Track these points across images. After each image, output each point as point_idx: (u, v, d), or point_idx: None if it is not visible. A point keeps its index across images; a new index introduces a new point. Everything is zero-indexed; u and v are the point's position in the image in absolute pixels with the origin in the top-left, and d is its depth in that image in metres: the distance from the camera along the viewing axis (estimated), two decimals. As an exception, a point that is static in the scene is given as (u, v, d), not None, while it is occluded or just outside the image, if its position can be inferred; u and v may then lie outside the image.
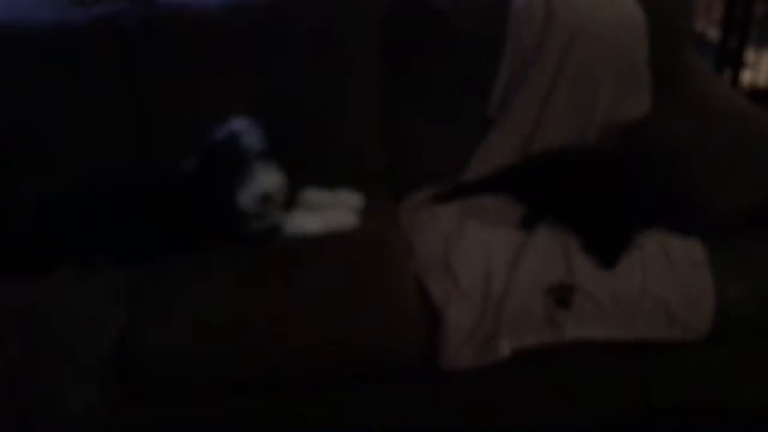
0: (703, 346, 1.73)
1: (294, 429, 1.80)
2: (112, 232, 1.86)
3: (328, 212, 1.92)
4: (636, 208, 1.83)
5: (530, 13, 2.05)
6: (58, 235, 1.85)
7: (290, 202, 1.91)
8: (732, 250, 1.76)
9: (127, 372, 1.67)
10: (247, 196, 1.77)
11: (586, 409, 1.85)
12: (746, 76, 3.15)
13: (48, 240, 1.84)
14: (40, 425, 1.65)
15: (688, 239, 1.78)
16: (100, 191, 1.93)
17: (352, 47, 2.06)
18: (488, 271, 1.76)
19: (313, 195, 1.98)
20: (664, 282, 1.71)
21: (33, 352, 1.65)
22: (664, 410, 1.79)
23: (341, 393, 1.77)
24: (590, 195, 1.86)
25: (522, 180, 2.01)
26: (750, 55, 3.11)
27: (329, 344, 1.68)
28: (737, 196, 1.76)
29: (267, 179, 1.77)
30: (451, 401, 1.81)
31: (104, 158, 2.06)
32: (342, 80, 2.07)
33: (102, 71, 2.03)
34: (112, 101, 2.05)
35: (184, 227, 1.86)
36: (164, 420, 1.75)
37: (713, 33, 3.16)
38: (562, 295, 1.70)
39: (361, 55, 2.07)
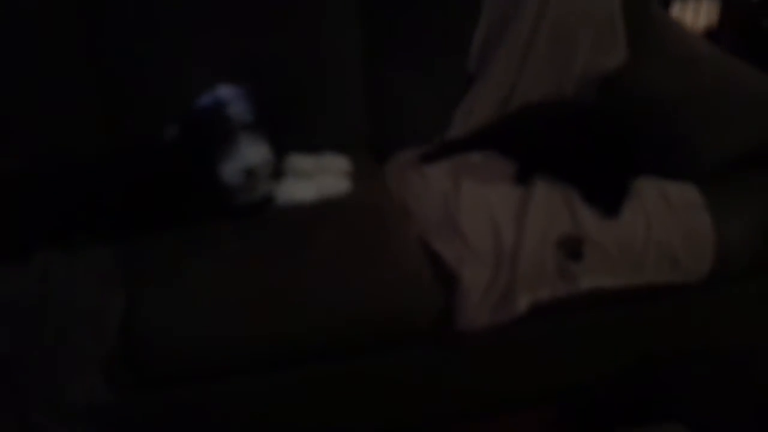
0: (703, 287, 1.78)
1: (311, 404, 1.74)
2: (91, 209, 1.73)
3: (320, 178, 1.86)
4: (629, 156, 1.85)
5: (506, -35, 2.02)
6: (34, 215, 1.70)
7: (277, 169, 1.83)
8: (725, 192, 1.82)
9: (133, 358, 1.58)
10: (230, 170, 1.67)
11: (593, 360, 1.89)
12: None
13: (23, 221, 1.69)
14: (41, 419, 1.53)
15: (683, 184, 1.82)
16: (75, 167, 1.78)
17: (331, 7, 1.97)
18: (496, 227, 1.75)
19: (298, 161, 1.90)
20: (666, 227, 1.75)
21: (29, 344, 1.53)
22: (664, 355, 1.84)
23: (360, 364, 1.72)
24: (583, 146, 1.87)
25: (510, 135, 2.00)
26: (675, 9, 3.20)
27: (345, 315, 1.64)
28: (726, 142, 1.81)
29: (252, 153, 1.66)
30: (468, 361, 1.80)
31: (67, 133, 1.90)
32: (321, 41, 1.98)
33: (61, 39, 1.87)
34: (73, 71, 1.89)
35: (168, 200, 1.75)
36: (174, 406, 1.66)
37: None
38: (572, 247, 1.72)
39: (340, 15, 1.99)
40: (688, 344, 1.89)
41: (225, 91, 1.70)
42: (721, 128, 1.81)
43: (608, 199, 1.78)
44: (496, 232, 1.74)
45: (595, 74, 2.10)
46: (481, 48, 2.07)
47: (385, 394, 1.79)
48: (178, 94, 1.88)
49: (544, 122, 1.98)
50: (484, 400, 1.88)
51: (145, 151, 1.80)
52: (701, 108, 1.85)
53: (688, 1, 3.12)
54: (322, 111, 2.02)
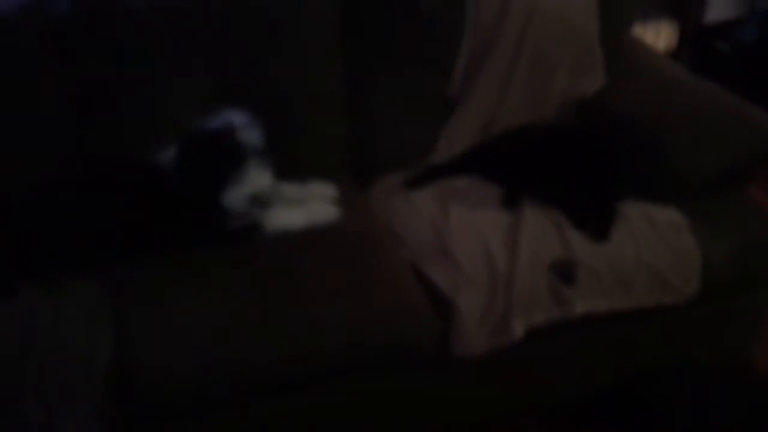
0: (690, 306, 1.81)
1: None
2: (73, 240, 1.68)
3: (309, 206, 1.83)
4: (614, 178, 1.88)
5: (487, -9, 2.04)
6: (14, 251, 1.64)
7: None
8: (707, 213, 1.86)
9: (126, 395, 1.52)
10: (236, 195, 1.66)
11: (587, 377, 1.91)
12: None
13: (3, 258, 1.63)
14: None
15: (666, 207, 1.86)
16: (53, 196, 1.73)
17: (311, 29, 1.95)
18: (489, 253, 1.75)
19: (285, 188, 1.88)
20: (654, 249, 1.78)
21: (17, 386, 1.46)
22: (651, 373, 1.87)
23: (356, 392, 1.70)
24: (568, 170, 1.89)
25: (494, 159, 2.01)
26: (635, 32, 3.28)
27: (342, 343, 1.61)
28: (706, 163, 1.86)
29: (260, 179, 1.67)
30: (465, 383, 1.80)
31: (43, 161, 1.84)
32: (302, 67, 1.96)
33: (34, 66, 1.80)
34: (48, 99, 1.82)
35: (159, 226, 1.70)
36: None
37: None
38: (566, 271, 1.73)
39: (321, 40, 1.97)
40: (679, 360, 1.91)
41: (235, 116, 1.69)
42: (700, 150, 1.85)
43: (597, 223, 1.81)
44: (489, 258, 1.74)
45: (575, 98, 2.13)
46: (463, 73, 2.07)
47: (382, 418, 1.78)
48: (158, 121, 1.87)
49: (528, 146, 2.00)
50: (480, 418, 1.88)
51: (133, 174, 1.75)
52: (680, 130, 1.90)
53: (648, 23, 3.20)
54: (304, 137, 2.00)
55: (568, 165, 1.90)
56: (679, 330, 1.91)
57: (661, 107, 1.97)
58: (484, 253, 1.75)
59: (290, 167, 1.89)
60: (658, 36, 3.30)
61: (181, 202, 1.69)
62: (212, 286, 1.64)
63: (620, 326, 1.82)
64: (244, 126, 1.66)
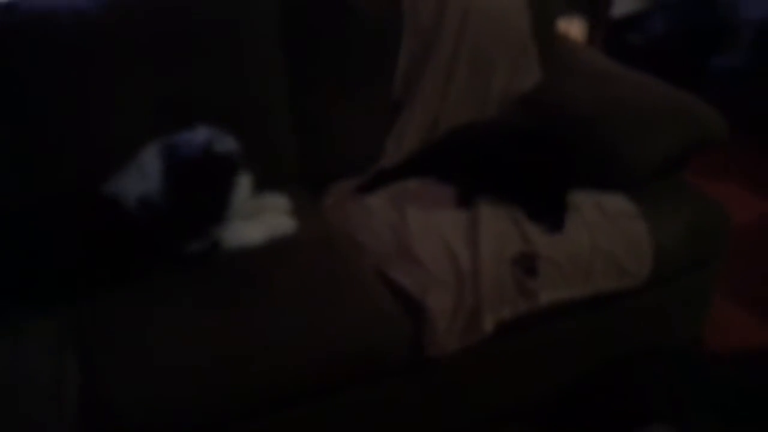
0: (645, 289, 1.88)
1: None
2: (27, 275, 1.60)
3: (266, 218, 1.80)
4: (561, 170, 1.92)
5: (422, -7, 2.06)
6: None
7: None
8: (654, 198, 1.93)
9: (97, 428, 1.45)
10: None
11: (556, 368, 1.95)
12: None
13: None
14: None
15: (614, 194, 1.92)
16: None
17: (251, 40, 1.92)
18: (452, 252, 1.76)
19: (239, 202, 1.84)
20: (608, 237, 1.84)
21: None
22: (624, 361, 1.92)
23: (334, 404, 1.68)
24: (516, 164, 1.92)
25: (443, 159, 2.03)
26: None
27: (315, 356, 1.59)
28: (649, 151, 1.92)
29: (245, 186, 1.69)
30: (438, 385, 1.80)
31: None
32: (244, 76, 1.93)
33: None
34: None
35: (116, 257, 1.64)
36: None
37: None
38: (527, 264, 1.76)
39: (262, 46, 1.94)
40: (642, 343, 1.98)
41: (205, 131, 1.67)
42: (642, 137, 1.92)
43: (550, 214, 1.85)
44: (452, 257, 1.76)
45: (514, 95, 2.17)
46: (405, 76, 2.09)
47: (360, 426, 1.75)
48: (100, 145, 1.80)
49: (475, 144, 2.03)
50: (458, 423, 1.88)
51: (86, 203, 1.68)
52: (621, 120, 1.96)
53: (559, 20, 3.30)
54: (251, 148, 1.95)
55: (516, 160, 1.93)
56: (637, 314, 1.97)
57: (599, 99, 2.03)
58: (447, 253, 1.76)
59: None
60: (569, 32, 3.41)
61: (139, 230, 1.63)
62: (178, 311, 1.59)
63: (582, 315, 1.86)
64: (220, 139, 1.63)
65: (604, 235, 1.84)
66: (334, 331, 1.61)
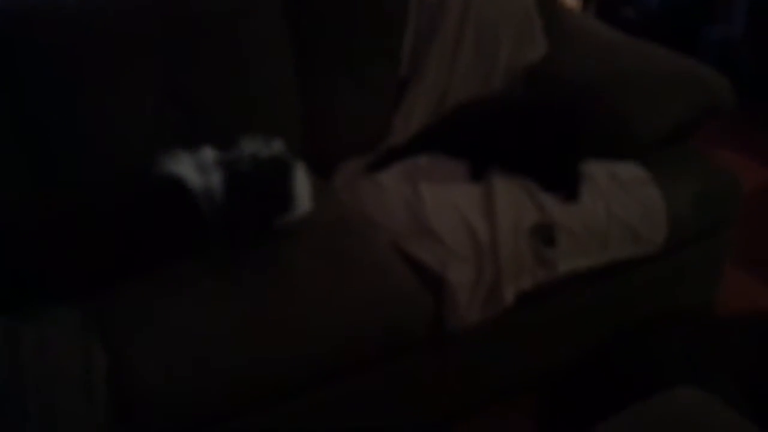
0: (661, 256, 1.88)
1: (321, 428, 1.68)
2: (52, 261, 1.57)
3: None
4: (572, 140, 1.92)
5: (427, -30, 2.05)
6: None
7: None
8: (666, 165, 1.94)
9: (127, 415, 1.44)
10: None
11: (572, 340, 1.95)
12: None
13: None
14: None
15: (626, 162, 1.92)
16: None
17: (255, 22, 1.90)
18: (469, 225, 1.76)
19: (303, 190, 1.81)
20: (622, 204, 1.84)
21: (13, 426, 1.36)
22: (641, 329, 1.94)
23: (356, 383, 1.67)
24: (527, 136, 1.91)
25: (453, 134, 2.02)
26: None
27: (340, 336, 1.59)
28: (658, 118, 1.93)
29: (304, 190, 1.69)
30: (458, 358, 1.80)
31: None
32: (249, 60, 1.90)
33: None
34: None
35: (145, 243, 1.63)
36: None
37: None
38: (545, 234, 1.76)
39: (266, 30, 1.91)
40: (657, 310, 2.00)
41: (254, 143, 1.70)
42: (652, 105, 1.92)
43: (564, 184, 1.85)
44: (470, 230, 1.75)
45: (520, 67, 2.17)
46: (412, 54, 2.08)
47: (383, 404, 1.76)
48: (107, 136, 1.78)
49: (484, 117, 2.02)
50: (478, 396, 1.89)
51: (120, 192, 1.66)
52: (629, 88, 1.96)
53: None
54: (259, 130, 1.94)
55: (526, 132, 1.92)
56: (652, 282, 1.98)
57: (606, 69, 2.03)
58: (465, 226, 1.76)
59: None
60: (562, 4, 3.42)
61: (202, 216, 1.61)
62: (201, 296, 1.57)
63: (599, 283, 1.87)
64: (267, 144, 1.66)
65: (619, 202, 1.84)
66: (355, 311, 1.60)
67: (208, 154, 1.66)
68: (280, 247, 1.70)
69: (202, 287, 1.59)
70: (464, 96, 2.12)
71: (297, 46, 1.97)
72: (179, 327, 1.52)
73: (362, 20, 2.01)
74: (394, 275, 1.68)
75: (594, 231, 1.80)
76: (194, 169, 1.63)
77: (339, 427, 1.71)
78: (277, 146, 1.68)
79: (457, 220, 1.77)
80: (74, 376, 1.42)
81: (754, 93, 3.10)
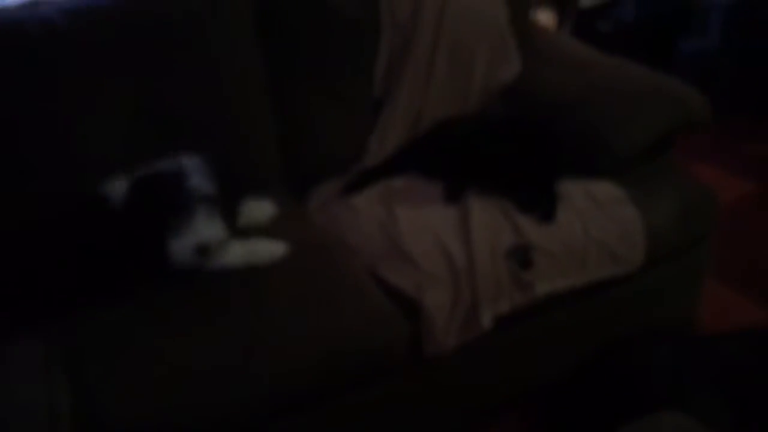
0: (640, 273, 1.86)
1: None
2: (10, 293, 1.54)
3: (253, 241, 1.72)
4: (548, 159, 1.90)
5: (398, -11, 2.03)
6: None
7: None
8: (641, 182, 1.92)
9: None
10: (182, 245, 1.54)
11: (551, 360, 1.93)
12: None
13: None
14: None
15: (602, 181, 1.90)
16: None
17: (227, 42, 1.87)
18: (445, 248, 1.74)
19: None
20: (600, 224, 1.82)
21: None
22: (622, 345, 1.91)
23: (334, 408, 1.64)
24: (502, 156, 1.90)
25: (428, 155, 2.00)
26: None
27: (315, 362, 1.55)
28: (633, 135, 1.91)
29: (208, 228, 1.55)
30: (440, 386, 1.78)
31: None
32: (220, 78, 1.88)
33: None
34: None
35: (100, 271, 1.58)
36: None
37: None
38: (522, 256, 1.74)
39: (239, 49, 1.89)
40: (637, 327, 1.99)
41: (188, 161, 1.59)
42: (627, 122, 1.90)
43: (541, 205, 1.83)
44: (446, 254, 1.73)
45: (495, 86, 2.15)
46: (385, 73, 2.06)
47: (363, 428, 1.73)
48: (78, 152, 1.75)
49: (460, 137, 1.99)
50: (460, 416, 1.87)
51: (67, 218, 1.62)
52: (604, 105, 1.95)
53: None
54: (232, 152, 1.92)
55: (501, 151, 1.90)
56: (632, 299, 1.95)
57: (580, 86, 2.02)
58: (441, 249, 1.74)
59: (222, 186, 1.81)
60: (536, 20, 3.41)
61: (128, 241, 1.57)
62: (172, 323, 1.54)
63: (578, 303, 1.84)
64: (194, 171, 1.56)
65: (596, 223, 1.82)
66: (330, 336, 1.57)
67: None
68: (252, 271, 1.66)
69: (172, 317, 1.56)
70: (439, 116, 2.10)
71: (270, 65, 1.95)
72: (145, 359, 1.48)
73: (335, 40, 1.98)
74: (369, 300, 1.66)
75: (572, 251, 1.78)
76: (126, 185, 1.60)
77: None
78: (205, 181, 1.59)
79: (433, 244, 1.75)
80: (37, 415, 1.38)
81: (730, 105, 3.10)
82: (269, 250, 1.71)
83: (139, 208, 1.56)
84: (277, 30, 1.93)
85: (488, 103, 2.15)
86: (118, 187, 1.59)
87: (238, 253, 1.68)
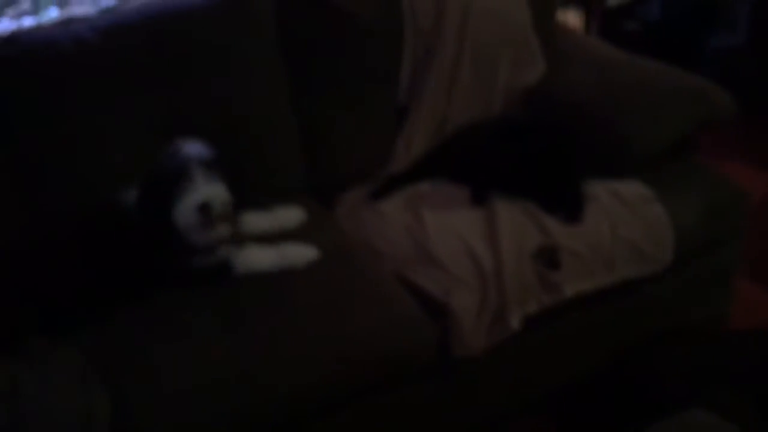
0: (668, 272, 1.87)
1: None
2: (42, 302, 1.58)
3: (284, 246, 1.75)
4: (573, 160, 1.91)
5: (420, -4, 2.05)
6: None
7: (237, 235, 1.72)
8: (668, 181, 1.92)
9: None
10: (184, 208, 1.54)
11: (579, 360, 1.94)
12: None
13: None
14: None
15: (629, 181, 1.91)
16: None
17: (251, 55, 1.91)
18: (472, 251, 1.75)
19: (252, 219, 1.82)
20: (627, 224, 1.83)
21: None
22: (641, 349, 1.91)
23: (363, 412, 1.66)
24: (528, 158, 1.90)
25: (453, 159, 2.01)
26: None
27: (344, 367, 1.58)
28: (658, 134, 1.91)
29: (207, 188, 1.55)
30: (465, 384, 1.79)
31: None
32: (248, 90, 1.91)
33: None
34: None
35: (124, 273, 1.63)
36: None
37: None
38: (549, 257, 1.75)
39: (262, 62, 1.93)
40: (667, 326, 1.98)
41: (183, 140, 1.63)
42: (651, 121, 1.91)
43: (567, 206, 1.83)
44: (473, 256, 1.74)
45: (519, 89, 2.16)
46: (410, 80, 2.08)
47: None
48: (106, 164, 1.79)
49: (485, 141, 2.01)
50: (486, 419, 1.88)
51: (91, 220, 1.67)
52: (628, 105, 1.95)
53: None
54: (259, 163, 1.95)
55: (526, 153, 1.91)
56: (661, 298, 1.95)
57: (605, 87, 2.02)
58: (468, 252, 1.75)
59: (250, 195, 1.84)
60: (565, 22, 3.41)
61: (144, 242, 1.61)
62: (203, 334, 1.57)
63: (606, 303, 1.85)
64: (189, 144, 1.60)
65: (624, 222, 1.82)
66: (359, 340, 1.60)
67: None
68: (281, 278, 1.69)
69: (203, 324, 1.59)
70: (464, 120, 2.11)
71: (294, 76, 1.98)
72: (179, 368, 1.51)
73: (358, 49, 2.01)
74: (398, 304, 1.68)
75: (599, 252, 1.78)
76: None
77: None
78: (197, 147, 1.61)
79: (460, 247, 1.77)
80: (76, 419, 1.42)
81: (758, 101, 3.07)
82: (301, 254, 1.74)
83: (144, 192, 1.60)
84: (300, 42, 1.97)
85: (512, 106, 2.16)
86: (132, 195, 1.63)
87: (270, 257, 1.71)
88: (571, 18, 3.37)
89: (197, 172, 1.55)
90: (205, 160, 1.58)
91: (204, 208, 1.55)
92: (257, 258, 1.71)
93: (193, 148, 1.59)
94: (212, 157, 1.60)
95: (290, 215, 1.87)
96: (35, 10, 2.29)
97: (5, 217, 1.74)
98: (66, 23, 1.86)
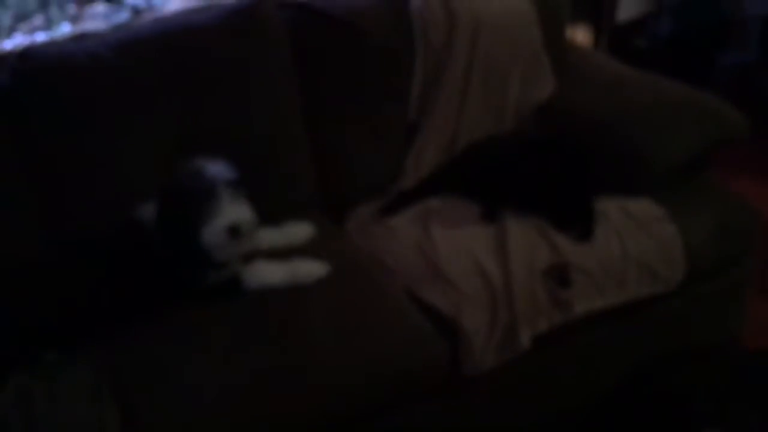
0: (679, 291, 1.85)
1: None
2: (54, 316, 1.59)
3: (295, 261, 1.75)
4: (585, 177, 1.90)
5: (431, 13, 2.05)
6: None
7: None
8: (680, 199, 1.91)
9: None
10: (213, 229, 1.56)
11: (591, 379, 1.92)
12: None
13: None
14: None
15: (640, 199, 1.90)
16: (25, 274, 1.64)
17: (264, 72, 1.92)
18: (482, 268, 1.75)
19: (262, 234, 1.82)
20: (638, 242, 1.82)
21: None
22: (663, 365, 1.90)
23: (373, 429, 1.66)
24: (539, 175, 1.90)
25: (464, 176, 2.01)
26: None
27: (355, 384, 1.58)
28: (671, 154, 1.90)
29: (235, 209, 1.58)
30: (475, 402, 1.78)
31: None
32: (261, 106, 1.92)
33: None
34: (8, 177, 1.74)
35: (141, 289, 1.63)
36: None
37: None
38: (560, 275, 1.74)
39: (275, 79, 1.93)
40: (679, 345, 1.97)
41: (205, 159, 1.63)
42: (663, 139, 1.90)
43: (578, 223, 1.83)
44: (483, 273, 1.74)
45: (530, 106, 2.16)
46: (420, 97, 2.08)
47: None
48: (123, 181, 1.80)
49: (495, 157, 2.01)
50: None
51: (109, 237, 1.67)
52: (640, 122, 1.95)
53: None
54: (271, 178, 1.95)
55: (537, 171, 1.91)
56: (673, 317, 1.94)
57: (616, 104, 2.02)
58: (478, 269, 1.75)
59: (260, 210, 1.84)
60: (575, 39, 3.41)
61: (162, 259, 1.62)
62: (213, 346, 1.58)
63: (617, 321, 1.84)
64: (210, 163, 1.60)
65: (635, 240, 1.82)
66: (368, 357, 1.59)
67: None
68: (292, 294, 1.69)
69: (215, 339, 1.60)
70: (474, 137, 2.11)
71: (306, 92, 1.98)
72: (193, 382, 1.51)
73: (370, 65, 2.01)
74: (407, 321, 1.68)
75: (610, 270, 1.77)
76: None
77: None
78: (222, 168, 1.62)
79: (470, 264, 1.76)
80: (86, 429, 1.42)
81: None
82: (311, 270, 1.74)
83: (166, 211, 1.60)
84: (312, 56, 1.97)
85: (523, 123, 2.16)
86: (149, 210, 1.64)
87: (280, 273, 1.72)
88: (581, 35, 3.38)
89: (224, 193, 1.58)
90: (230, 180, 1.59)
91: (233, 230, 1.57)
92: (267, 273, 1.72)
93: (218, 169, 1.60)
94: (236, 177, 1.61)
95: (300, 230, 1.87)
96: (48, 25, 2.31)
97: (23, 233, 1.76)
98: (79, 38, 1.87)
